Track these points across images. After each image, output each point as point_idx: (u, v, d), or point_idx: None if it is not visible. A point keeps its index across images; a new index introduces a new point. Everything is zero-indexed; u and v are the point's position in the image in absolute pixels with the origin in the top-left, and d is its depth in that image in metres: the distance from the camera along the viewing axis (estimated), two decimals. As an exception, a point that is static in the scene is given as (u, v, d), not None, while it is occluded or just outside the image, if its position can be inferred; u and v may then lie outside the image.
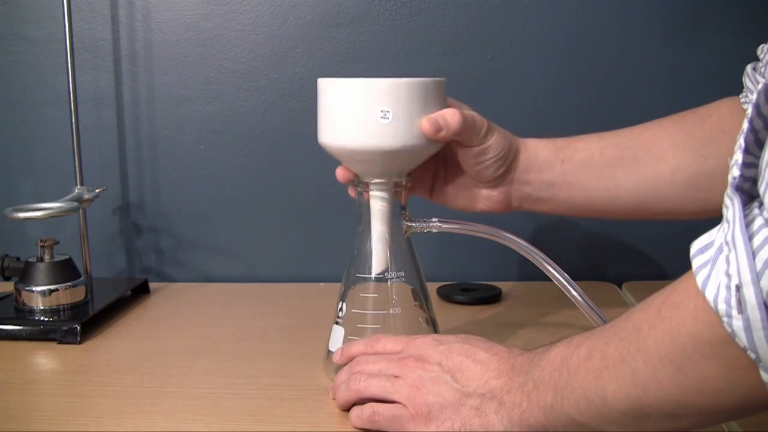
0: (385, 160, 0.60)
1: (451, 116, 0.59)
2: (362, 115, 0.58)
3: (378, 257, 0.63)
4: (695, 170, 0.64)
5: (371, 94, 0.58)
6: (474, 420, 0.50)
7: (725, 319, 0.36)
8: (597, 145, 0.66)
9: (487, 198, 0.67)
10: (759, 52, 0.64)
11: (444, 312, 0.83)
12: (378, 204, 0.63)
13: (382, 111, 0.58)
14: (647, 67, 0.95)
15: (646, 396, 0.41)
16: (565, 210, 0.68)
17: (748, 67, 0.64)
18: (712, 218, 0.62)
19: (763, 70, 0.62)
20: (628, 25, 0.94)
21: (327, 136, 0.61)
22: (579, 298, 0.62)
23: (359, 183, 0.63)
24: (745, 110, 0.64)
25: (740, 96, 0.65)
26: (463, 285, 0.91)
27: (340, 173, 0.65)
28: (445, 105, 0.62)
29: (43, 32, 0.97)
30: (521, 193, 0.67)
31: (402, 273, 0.63)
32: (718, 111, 0.65)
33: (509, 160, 0.65)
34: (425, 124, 0.59)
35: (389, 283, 0.63)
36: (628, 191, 0.65)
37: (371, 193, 0.63)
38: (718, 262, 0.37)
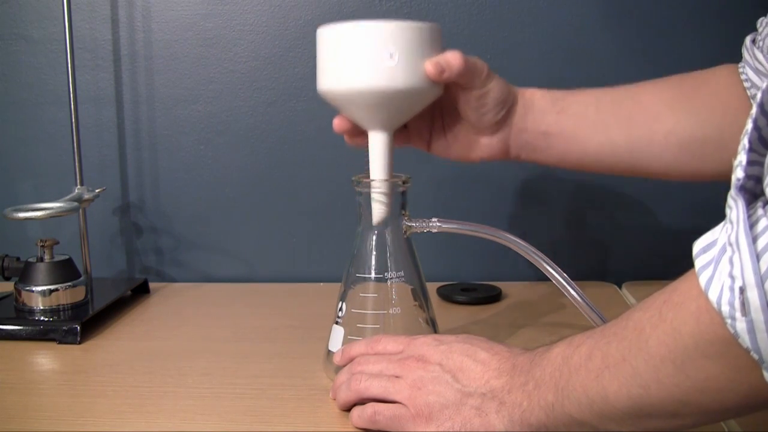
0: (388, 103, 0.60)
1: (453, 58, 0.60)
2: (369, 56, 0.58)
3: (379, 208, 0.63)
4: (689, 135, 0.64)
5: (379, 36, 0.58)
6: (475, 420, 0.49)
7: (728, 320, 0.36)
8: (593, 99, 0.66)
9: (485, 146, 0.66)
10: (758, 25, 0.64)
11: (444, 312, 0.83)
12: (378, 146, 0.62)
13: (388, 52, 0.58)
14: (648, 66, 0.95)
15: (648, 395, 0.41)
16: (560, 161, 0.67)
17: (747, 39, 0.65)
18: (703, 183, 0.63)
19: (761, 44, 0.62)
20: (630, 25, 0.94)
21: (330, 81, 0.61)
22: (579, 298, 0.62)
23: (358, 183, 0.63)
24: (743, 81, 0.64)
25: (738, 66, 0.65)
26: (463, 285, 0.91)
27: (338, 123, 0.65)
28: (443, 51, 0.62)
29: (43, 32, 0.97)
30: (519, 141, 0.66)
31: (402, 273, 0.63)
32: (715, 76, 0.66)
33: (508, 105, 0.65)
34: (429, 66, 0.59)
35: (389, 283, 0.63)
36: (621, 148, 0.65)
37: (370, 138, 0.63)
38: (721, 263, 0.36)
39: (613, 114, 0.65)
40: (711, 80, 0.66)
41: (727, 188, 0.38)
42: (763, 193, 0.37)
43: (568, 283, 0.61)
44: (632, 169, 0.67)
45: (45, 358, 0.72)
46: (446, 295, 0.88)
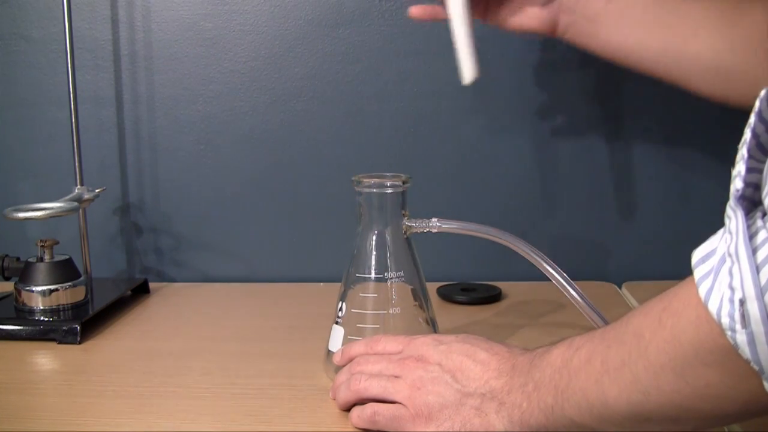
0: None
1: None
2: None
3: (467, 56, 0.68)
4: (718, 60, 0.65)
5: None
6: (474, 420, 0.49)
7: (729, 332, 0.35)
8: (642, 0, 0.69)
9: (537, 16, 0.71)
10: None
11: (444, 312, 0.83)
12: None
13: None
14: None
15: (648, 401, 0.41)
16: (601, 49, 0.71)
17: None
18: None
19: None
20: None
21: None
22: (579, 298, 0.62)
23: (358, 183, 0.63)
24: None
25: None
26: (463, 285, 0.91)
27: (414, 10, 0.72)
28: None
29: (43, 32, 0.97)
30: (567, 20, 0.70)
31: (402, 273, 0.63)
32: (757, 11, 0.66)
33: None
34: None
35: (389, 283, 0.63)
36: (654, 52, 0.68)
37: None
38: (720, 273, 0.36)
39: (656, 17, 0.68)
40: (755, 13, 0.66)
41: (727, 191, 0.38)
42: (761, 202, 0.37)
43: (568, 283, 0.61)
44: (665, 76, 0.69)
45: (45, 358, 0.72)
46: (446, 295, 0.88)
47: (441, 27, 0.95)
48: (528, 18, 0.71)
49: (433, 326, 0.66)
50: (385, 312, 0.63)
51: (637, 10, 0.68)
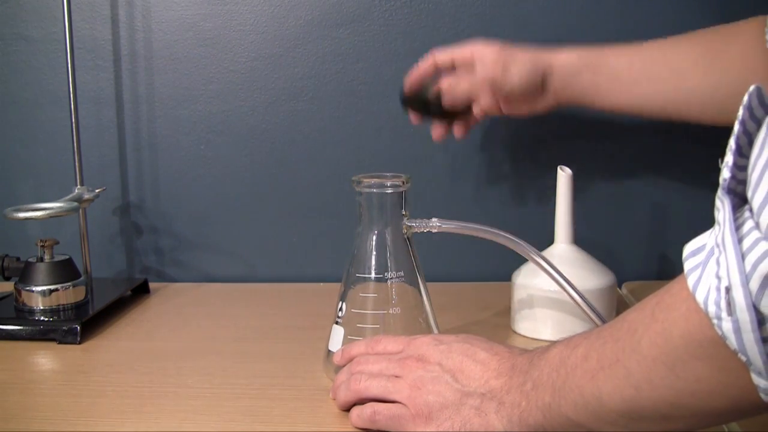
0: None
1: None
2: None
3: None
4: (712, 92, 0.69)
5: None
6: (474, 420, 0.50)
7: (715, 321, 0.36)
8: (627, 60, 0.73)
9: (540, 105, 0.78)
10: None
11: (444, 312, 0.83)
12: None
13: None
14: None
15: (640, 397, 0.41)
16: (606, 108, 0.76)
17: None
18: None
19: None
20: (630, 24, 0.94)
21: None
22: (578, 298, 0.62)
23: (358, 183, 0.63)
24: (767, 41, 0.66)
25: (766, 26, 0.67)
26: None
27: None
28: None
29: (43, 32, 0.97)
30: (564, 97, 0.76)
31: (402, 273, 0.63)
32: (745, 32, 0.69)
33: (536, 83, 0.73)
34: None
35: (389, 283, 0.63)
36: (651, 103, 0.73)
37: None
38: (708, 264, 0.37)
39: (644, 73, 0.72)
40: (741, 36, 0.69)
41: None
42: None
43: (567, 283, 0.62)
44: (666, 118, 0.74)
45: (45, 358, 0.72)
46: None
47: (441, 27, 0.96)
48: (537, 107, 0.78)
49: (433, 326, 0.66)
50: (385, 312, 0.63)
51: (623, 73, 0.73)
